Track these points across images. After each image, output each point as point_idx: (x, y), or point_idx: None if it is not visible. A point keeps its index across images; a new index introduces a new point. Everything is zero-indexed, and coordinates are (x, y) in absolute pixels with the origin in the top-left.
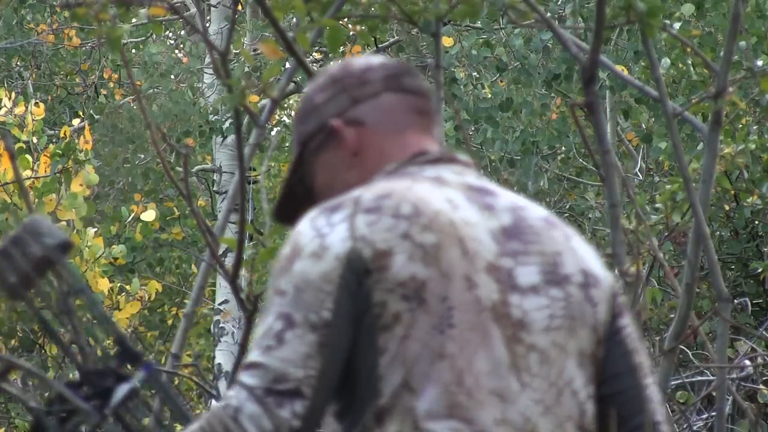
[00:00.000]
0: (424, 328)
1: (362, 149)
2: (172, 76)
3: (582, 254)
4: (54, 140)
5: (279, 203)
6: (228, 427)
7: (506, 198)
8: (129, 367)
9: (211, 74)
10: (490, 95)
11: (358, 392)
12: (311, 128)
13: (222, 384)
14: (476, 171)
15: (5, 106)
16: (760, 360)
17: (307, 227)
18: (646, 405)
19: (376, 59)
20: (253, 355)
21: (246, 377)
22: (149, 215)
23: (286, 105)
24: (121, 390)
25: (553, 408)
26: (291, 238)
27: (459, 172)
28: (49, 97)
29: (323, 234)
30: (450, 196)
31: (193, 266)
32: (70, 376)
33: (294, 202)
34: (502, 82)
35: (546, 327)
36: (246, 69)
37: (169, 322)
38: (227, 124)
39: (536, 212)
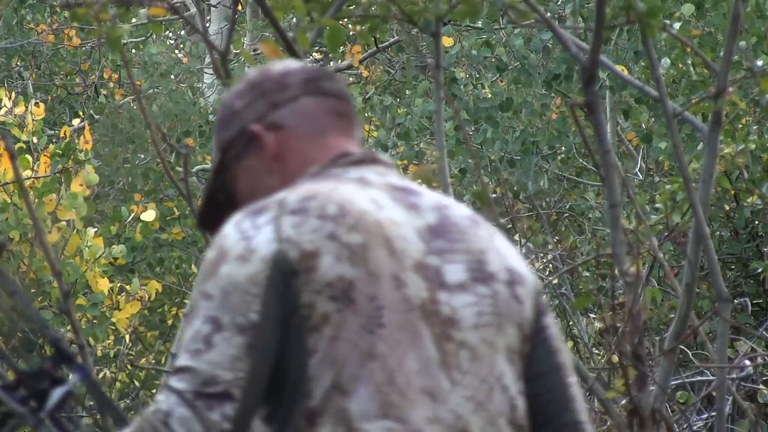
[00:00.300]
0: (353, 329)
1: (283, 153)
2: (172, 76)
3: (505, 252)
4: (54, 140)
5: (200, 210)
6: None
7: (430, 197)
8: (63, 369)
9: (211, 74)
10: (490, 95)
11: (287, 394)
12: (231, 134)
13: None
14: (398, 171)
15: (5, 106)
16: (760, 360)
17: (233, 230)
18: (570, 404)
19: (295, 63)
20: (182, 360)
21: (175, 381)
22: (149, 215)
23: None
24: (57, 393)
25: (484, 404)
26: (216, 241)
27: (382, 172)
28: (49, 97)
29: (249, 237)
30: (374, 197)
31: (193, 266)
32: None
33: (216, 209)
34: (502, 82)
35: (475, 324)
36: (246, 69)
37: (169, 322)
38: None
39: (460, 211)
